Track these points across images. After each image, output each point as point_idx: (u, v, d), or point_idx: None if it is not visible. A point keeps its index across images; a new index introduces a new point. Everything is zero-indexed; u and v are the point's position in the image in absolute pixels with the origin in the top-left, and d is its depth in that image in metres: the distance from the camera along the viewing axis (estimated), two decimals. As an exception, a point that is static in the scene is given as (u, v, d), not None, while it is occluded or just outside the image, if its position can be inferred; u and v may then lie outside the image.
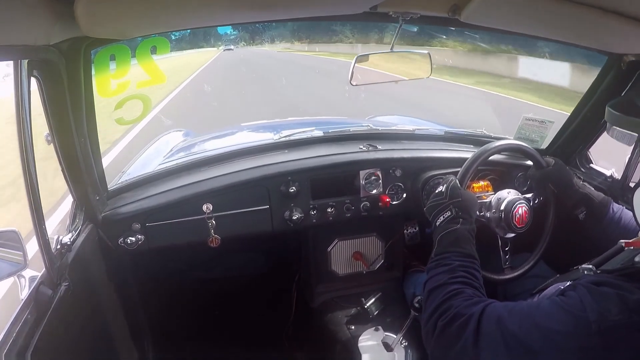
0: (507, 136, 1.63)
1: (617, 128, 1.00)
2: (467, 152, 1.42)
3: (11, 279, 0.93)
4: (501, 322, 0.76)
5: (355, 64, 1.31)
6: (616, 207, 1.19)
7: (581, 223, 1.21)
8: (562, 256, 1.18)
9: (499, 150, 1.24)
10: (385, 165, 1.44)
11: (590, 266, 0.87)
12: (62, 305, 0.91)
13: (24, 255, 0.90)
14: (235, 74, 12.97)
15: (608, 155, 1.47)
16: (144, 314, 1.52)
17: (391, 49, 1.25)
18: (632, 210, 0.82)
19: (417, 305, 1.26)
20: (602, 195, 1.21)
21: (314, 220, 1.42)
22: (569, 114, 1.48)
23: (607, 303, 0.71)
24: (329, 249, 1.56)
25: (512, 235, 1.22)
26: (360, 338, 1.38)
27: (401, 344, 1.32)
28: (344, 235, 1.56)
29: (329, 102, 7.44)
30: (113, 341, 1.26)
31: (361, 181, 1.43)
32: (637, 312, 0.68)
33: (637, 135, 0.97)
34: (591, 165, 1.51)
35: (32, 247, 0.89)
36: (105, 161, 1.37)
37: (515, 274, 1.22)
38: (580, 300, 0.73)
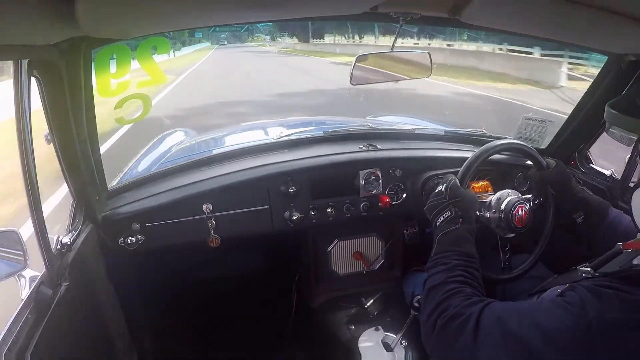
0: (507, 136, 1.63)
1: (616, 128, 0.99)
2: (467, 152, 1.42)
3: (11, 279, 0.93)
4: (501, 321, 0.76)
5: (356, 64, 1.31)
6: (614, 212, 1.17)
7: (579, 227, 1.20)
8: (560, 258, 1.18)
9: (499, 150, 1.23)
10: (385, 165, 1.44)
11: (589, 269, 0.87)
12: (62, 305, 0.91)
13: (24, 255, 0.90)
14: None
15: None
16: (143, 314, 1.52)
17: (391, 48, 1.25)
18: (630, 212, 0.81)
19: (416, 304, 1.26)
20: (600, 200, 1.20)
21: (314, 220, 1.41)
22: (569, 114, 1.48)
23: (607, 302, 0.71)
24: (329, 249, 1.56)
25: (512, 235, 1.22)
26: (360, 338, 1.38)
27: (401, 344, 1.32)
28: (344, 235, 1.56)
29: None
30: (113, 341, 1.26)
31: (361, 181, 1.43)
32: (636, 311, 0.68)
33: (636, 136, 0.96)
34: (591, 165, 1.50)
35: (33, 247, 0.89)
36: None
37: (514, 274, 1.22)
38: (581, 299, 0.73)
